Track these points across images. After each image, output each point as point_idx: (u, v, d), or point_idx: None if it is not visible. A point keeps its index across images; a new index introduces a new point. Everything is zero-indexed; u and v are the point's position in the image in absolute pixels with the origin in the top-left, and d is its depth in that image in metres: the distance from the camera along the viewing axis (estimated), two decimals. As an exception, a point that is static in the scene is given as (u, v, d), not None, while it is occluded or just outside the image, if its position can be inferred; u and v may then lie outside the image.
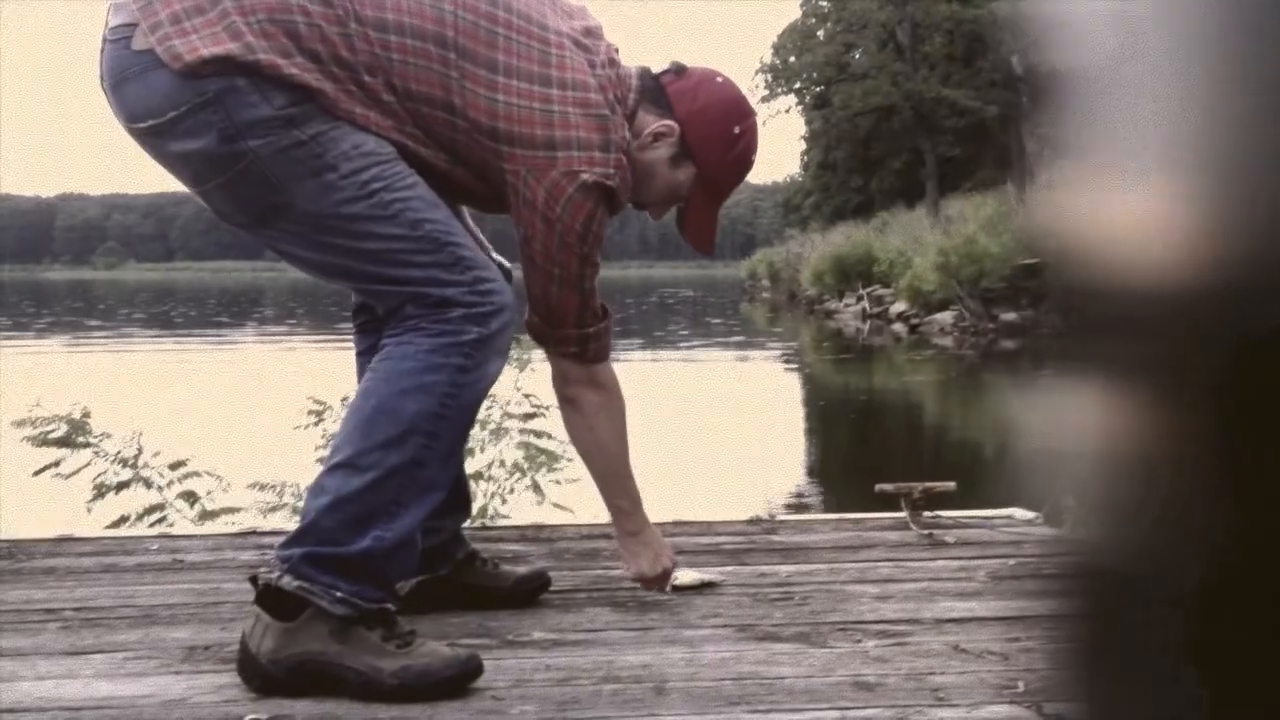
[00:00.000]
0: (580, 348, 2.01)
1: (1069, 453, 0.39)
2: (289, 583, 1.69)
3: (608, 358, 2.07)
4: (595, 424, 2.07)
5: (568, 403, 2.08)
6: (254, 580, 1.75)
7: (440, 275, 1.77)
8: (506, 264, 2.07)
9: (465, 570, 2.13)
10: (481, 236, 2.10)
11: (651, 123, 1.99)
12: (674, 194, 2.05)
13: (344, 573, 1.69)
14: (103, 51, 1.75)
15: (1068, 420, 0.39)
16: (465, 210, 2.06)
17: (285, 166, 1.71)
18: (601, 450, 2.09)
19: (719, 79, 2.07)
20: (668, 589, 2.17)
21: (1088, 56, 0.37)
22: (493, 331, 1.79)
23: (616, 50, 1.99)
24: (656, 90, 2.01)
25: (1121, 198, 0.36)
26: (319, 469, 1.83)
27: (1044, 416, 0.40)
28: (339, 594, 1.69)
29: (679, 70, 2.05)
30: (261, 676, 1.69)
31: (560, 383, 2.07)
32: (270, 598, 1.71)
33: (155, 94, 1.69)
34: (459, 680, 1.69)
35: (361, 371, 2.09)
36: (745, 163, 2.07)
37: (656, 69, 2.05)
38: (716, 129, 2.02)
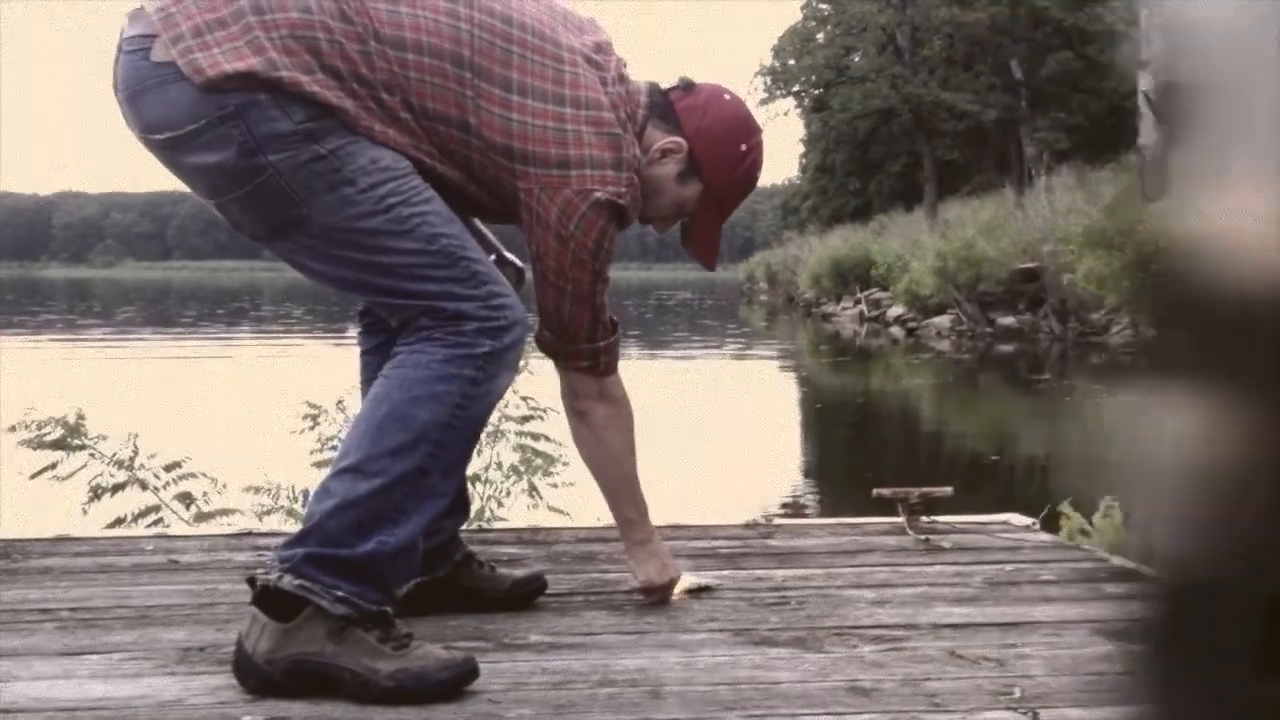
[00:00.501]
0: (592, 361, 2.02)
1: (1160, 462, 0.39)
2: (289, 582, 1.69)
3: (617, 370, 2.08)
4: (605, 437, 2.08)
5: (577, 416, 2.09)
6: (251, 581, 1.75)
7: (455, 290, 1.77)
8: (519, 263, 2.07)
9: (462, 573, 2.12)
10: (492, 238, 2.10)
11: (660, 139, 2.00)
12: (680, 209, 2.06)
13: (346, 574, 1.69)
14: (118, 61, 1.74)
15: (1161, 429, 0.38)
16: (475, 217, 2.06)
17: (304, 180, 1.72)
18: (611, 462, 2.10)
19: (727, 96, 2.07)
20: (672, 599, 2.17)
21: (1211, 68, 0.36)
22: (505, 345, 1.79)
23: (625, 65, 1.99)
24: (665, 106, 2.02)
25: (1238, 206, 0.35)
26: (315, 472, 1.83)
27: (1136, 425, 0.39)
28: (340, 594, 1.68)
29: (687, 86, 2.05)
30: (257, 677, 1.69)
31: (570, 397, 2.08)
32: (268, 598, 1.70)
33: (174, 107, 1.69)
34: (455, 683, 1.68)
35: (366, 371, 2.09)
36: (751, 179, 2.09)
37: (665, 84, 2.06)
38: (724, 146, 2.03)
